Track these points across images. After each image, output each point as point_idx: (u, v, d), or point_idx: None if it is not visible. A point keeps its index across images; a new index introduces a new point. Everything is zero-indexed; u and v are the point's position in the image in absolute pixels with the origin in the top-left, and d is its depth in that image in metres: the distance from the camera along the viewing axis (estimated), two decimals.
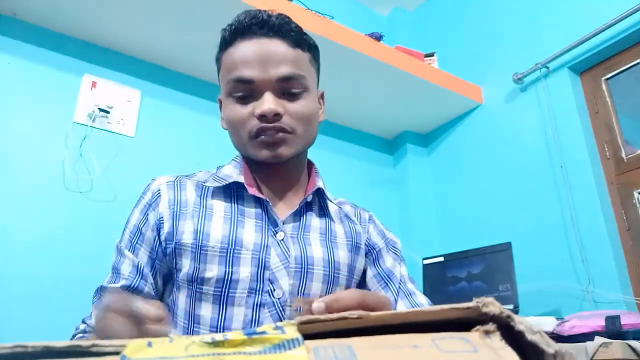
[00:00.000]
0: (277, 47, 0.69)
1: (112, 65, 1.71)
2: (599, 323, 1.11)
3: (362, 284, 0.79)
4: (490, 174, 2.00)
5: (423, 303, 0.76)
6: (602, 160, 1.67)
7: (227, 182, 0.72)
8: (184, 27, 1.63)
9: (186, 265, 0.67)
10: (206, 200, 0.72)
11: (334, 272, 0.72)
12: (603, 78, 1.73)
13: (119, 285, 0.68)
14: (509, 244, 1.60)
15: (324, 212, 0.78)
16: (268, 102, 0.67)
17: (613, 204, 1.61)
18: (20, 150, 1.47)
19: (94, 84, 1.65)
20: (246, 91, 0.69)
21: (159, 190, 0.73)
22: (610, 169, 1.65)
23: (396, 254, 0.83)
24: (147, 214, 0.71)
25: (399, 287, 0.77)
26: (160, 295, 0.73)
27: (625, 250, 1.54)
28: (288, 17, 0.74)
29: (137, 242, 0.71)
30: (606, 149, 1.67)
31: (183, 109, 1.82)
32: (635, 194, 1.57)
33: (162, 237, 0.70)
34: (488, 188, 1.99)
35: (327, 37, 1.68)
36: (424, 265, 1.84)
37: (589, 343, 1.02)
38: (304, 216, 0.75)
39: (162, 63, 1.82)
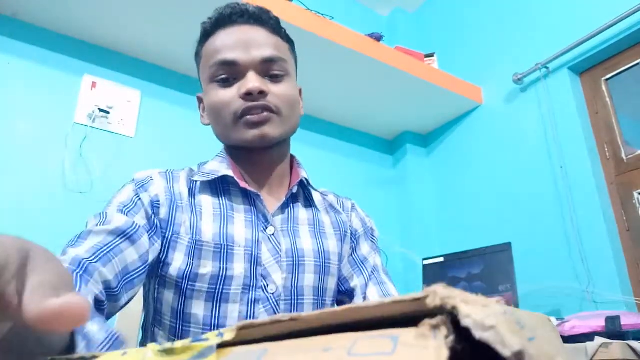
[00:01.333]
0: (258, 32, 0.71)
1: (112, 66, 1.71)
2: (599, 323, 1.11)
3: None
4: (490, 174, 2.00)
5: (393, 294, 0.76)
6: (602, 161, 1.67)
7: (215, 177, 0.71)
8: (184, 28, 1.63)
9: (179, 259, 0.65)
10: (194, 197, 0.70)
11: (325, 262, 0.72)
12: (603, 78, 1.73)
13: (109, 228, 0.59)
14: (509, 244, 1.60)
15: (309, 203, 0.78)
16: (253, 81, 0.67)
17: (613, 204, 1.61)
18: (20, 151, 1.47)
19: (94, 84, 1.65)
20: (230, 73, 0.69)
21: (150, 176, 0.70)
22: (610, 169, 1.65)
23: (373, 242, 0.84)
24: (138, 194, 0.67)
25: (372, 273, 0.78)
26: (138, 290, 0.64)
27: (625, 250, 1.54)
28: (267, 9, 0.75)
29: (129, 211, 0.64)
30: (606, 150, 1.67)
31: (183, 109, 1.82)
32: (635, 194, 1.57)
33: (159, 219, 0.66)
34: (488, 188, 1.99)
35: (327, 37, 1.68)
36: (424, 266, 1.84)
37: (589, 343, 1.02)
38: (292, 208, 0.75)
39: (162, 63, 1.82)
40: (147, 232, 0.64)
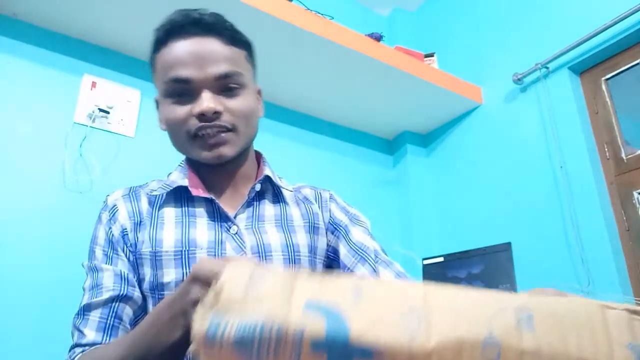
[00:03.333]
0: (212, 45, 0.69)
1: (112, 65, 1.71)
2: None
3: (336, 262, 0.79)
4: (490, 174, 2.00)
5: (403, 272, 0.76)
6: (602, 161, 1.67)
7: (171, 188, 0.72)
8: None
9: (147, 273, 0.67)
10: (157, 210, 0.72)
11: (294, 255, 0.72)
12: (603, 78, 1.73)
13: (104, 297, 0.65)
14: (509, 244, 1.60)
15: (277, 199, 0.78)
16: (207, 101, 0.66)
17: (613, 204, 1.61)
18: (20, 151, 1.47)
19: (93, 84, 1.65)
20: (183, 91, 0.68)
21: (115, 205, 0.73)
22: (610, 169, 1.65)
23: (364, 227, 0.83)
24: (111, 228, 0.71)
25: (376, 257, 0.77)
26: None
27: (625, 250, 1.54)
28: (221, 16, 0.74)
29: (112, 254, 0.69)
30: (606, 149, 1.67)
31: None
32: (635, 194, 1.57)
33: (129, 248, 0.69)
34: (488, 188, 1.99)
35: (327, 37, 1.68)
36: (424, 266, 1.84)
37: None
38: (256, 206, 0.75)
39: None
40: (134, 277, 0.68)
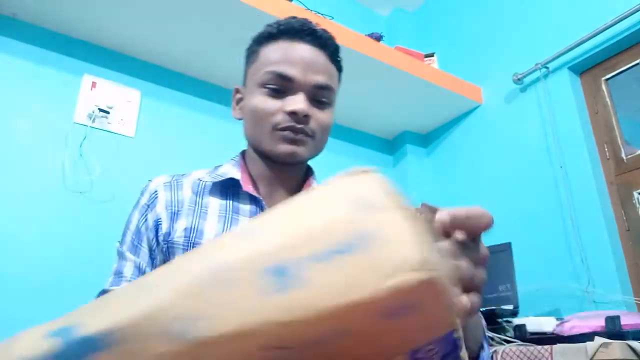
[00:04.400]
0: (319, 56, 0.72)
1: (112, 66, 1.71)
2: (599, 323, 1.11)
3: None
4: (490, 174, 2.00)
5: None
6: (602, 161, 1.67)
7: (223, 178, 0.73)
8: (184, 28, 1.63)
9: None
10: (202, 198, 0.73)
11: None
12: (603, 78, 1.73)
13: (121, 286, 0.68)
14: (509, 244, 1.60)
15: None
16: (303, 102, 0.69)
17: (613, 204, 1.61)
18: (20, 151, 1.47)
19: (93, 84, 1.65)
20: (282, 87, 0.70)
21: (156, 191, 0.74)
22: (610, 169, 1.65)
23: None
24: (146, 215, 0.72)
25: None
26: None
27: (625, 250, 1.54)
28: (332, 35, 0.77)
29: (138, 243, 0.71)
30: (606, 149, 1.67)
31: (183, 109, 1.82)
32: (635, 194, 1.57)
33: (160, 238, 0.70)
34: (488, 188, 1.99)
35: None
36: None
37: (588, 343, 1.02)
38: None
39: (162, 63, 1.82)
40: (149, 267, 0.70)
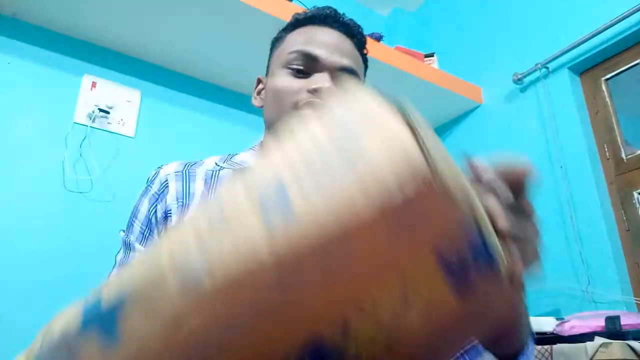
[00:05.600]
0: (345, 41, 0.72)
1: (112, 65, 1.71)
2: (599, 323, 1.11)
3: None
4: None
5: None
6: (602, 161, 1.67)
7: (242, 167, 0.69)
8: (184, 28, 1.63)
9: None
10: (215, 190, 0.69)
11: None
12: (603, 78, 1.73)
13: None
14: None
15: None
16: (326, 81, 0.66)
17: (613, 204, 1.61)
18: (20, 151, 1.47)
19: (94, 84, 1.65)
20: (306, 67, 0.68)
21: (167, 180, 0.70)
22: (610, 169, 1.65)
23: None
24: (156, 206, 0.69)
25: None
26: None
27: (625, 250, 1.54)
28: (359, 26, 0.77)
29: (148, 234, 0.68)
30: (606, 149, 1.67)
31: (183, 109, 1.82)
32: (635, 194, 1.57)
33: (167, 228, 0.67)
34: None
35: None
36: None
37: (588, 343, 1.02)
38: None
39: (162, 63, 1.82)
40: None
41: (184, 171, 0.71)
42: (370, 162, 0.19)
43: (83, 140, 1.57)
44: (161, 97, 1.79)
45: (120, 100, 1.68)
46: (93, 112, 1.60)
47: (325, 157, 0.20)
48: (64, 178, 1.51)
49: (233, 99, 1.94)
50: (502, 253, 0.28)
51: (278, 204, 0.20)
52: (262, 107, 0.74)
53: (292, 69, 0.68)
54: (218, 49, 1.73)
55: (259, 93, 0.78)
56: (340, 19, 0.73)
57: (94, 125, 1.60)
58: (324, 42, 0.69)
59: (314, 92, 0.65)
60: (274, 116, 0.69)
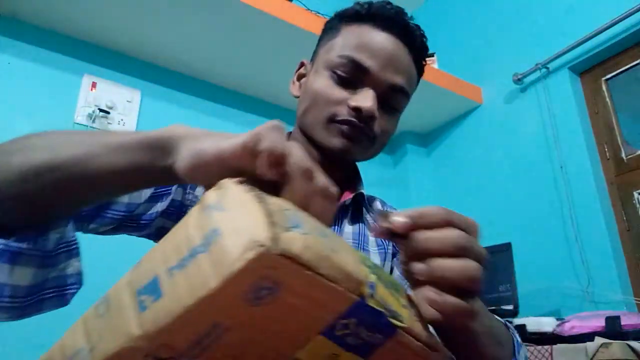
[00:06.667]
0: (404, 55, 0.64)
1: (112, 66, 1.71)
2: (599, 323, 1.11)
3: None
4: (490, 174, 2.00)
5: None
6: (602, 161, 1.67)
7: None
8: (184, 27, 1.63)
9: None
10: None
11: None
12: (603, 78, 1.73)
13: (126, 200, 0.54)
14: (509, 244, 1.60)
15: (357, 217, 0.72)
16: (372, 101, 0.60)
17: (613, 205, 1.61)
18: None
19: (94, 84, 1.65)
20: (353, 77, 0.62)
21: None
22: (610, 169, 1.65)
23: None
24: (185, 193, 0.60)
25: None
26: None
27: (625, 250, 1.54)
28: (423, 32, 0.69)
29: (156, 195, 0.58)
30: (606, 150, 1.67)
31: (183, 109, 1.82)
32: (635, 194, 1.57)
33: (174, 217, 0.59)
34: (488, 188, 1.99)
35: None
36: None
37: (589, 343, 1.02)
38: (339, 221, 0.69)
39: (162, 63, 1.82)
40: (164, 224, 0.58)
41: None
42: (225, 252, 0.23)
43: None
44: (161, 97, 1.79)
45: (120, 100, 1.68)
46: (93, 112, 1.60)
47: (194, 252, 0.24)
48: None
49: (233, 98, 1.94)
50: (403, 317, 0.30)
51: (151, 293, 0.25)
52: (298, 97, 0.68)
53: (338, 75, 0.62)
54: (218, 49, 1.73)
55: (299, 79, 0.71)
56: (406, 25, 0.65)
57: (94, 125, 1.60)
58: (378, 51, 0.61)
59: (354, 109, 0.60)
60: (308, 120, 0.64)
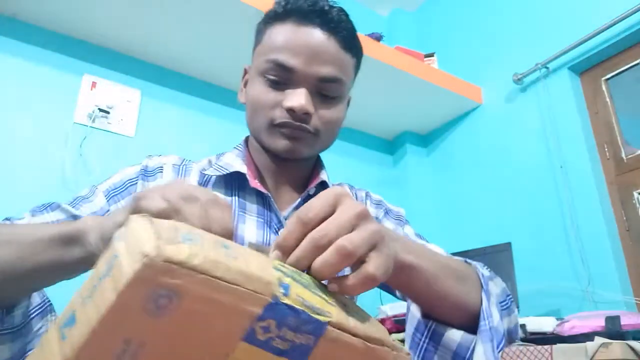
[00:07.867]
0: (328, 44, 0.64)
1: (112, 65, 1.71)
2: (599, 323, 1.11)
3: None
4: (490, 174, 2.00)
5: (438, 251, 0.67)
6: (602, 161, 1.67)
7: (228, 172, 0.67)
8: (184, 27, 1.63)
9: None
10: None
11: None
12: (603, 78, 1.73)
13: (75, 212, 0.59)
14: (509, 244, 1.60)
15: None
16: (301, 98, 0.61)
17: (613, 205, 1.61)
18: (20, 151, 1.47)
19: (93, 84, 1.65)
20: (282, 78, 0.63)
21: (163, 167, 0.68)
22: (610, 169, 1.65)
23: (398, 219, 0.80)
24: (139, 181, 0.65)
25: None
26: None
27: (625, 250, 1.54)
28: (346, 14, 0.68)
29: (117, 194, 0.63)
30: (606, 150, 1.67)
31: (183, 109, 1.82)
32: (635, 194, 1.57)
33: None
34: (488, 188, 1.99)
35: None
36: None
37: (589, 343, 1.02)
38: None
39: (162, 63, 1.82)
40: None
41: (181, 165, 0.70)
42: (121, 270, 0.25)
43: (83, 140, 1.57)
44: (161, 97, 1.79)
45: (120, 100, 1.68)
46: (93, 112, 1.60)
47: (100, 279, 0.27)
48: (64, 178, 1.51)
49: (233, 98, 1.94)
50: (331, 313, 0.31)
51: (70, 324, 0.27)
52: (245, 104, 0.70)
53: (268, 79, 0.63)
54: (218, 49, 1.73)
55: (245, 85, 0.73)
56: (325, 13, 0.64)
57: (94, 125, 1.60)
58: (300, 48, 0.62)
59: (288, 110, 0.62)
60: (254, 126, 0.67)
